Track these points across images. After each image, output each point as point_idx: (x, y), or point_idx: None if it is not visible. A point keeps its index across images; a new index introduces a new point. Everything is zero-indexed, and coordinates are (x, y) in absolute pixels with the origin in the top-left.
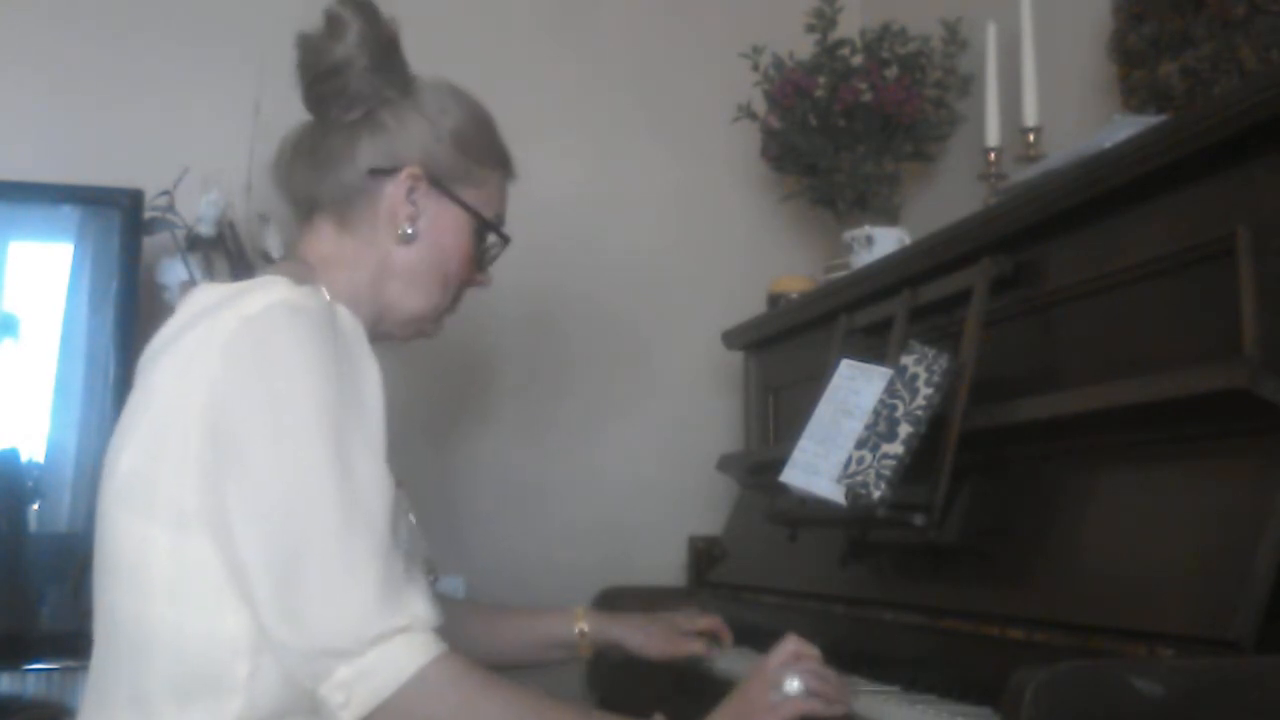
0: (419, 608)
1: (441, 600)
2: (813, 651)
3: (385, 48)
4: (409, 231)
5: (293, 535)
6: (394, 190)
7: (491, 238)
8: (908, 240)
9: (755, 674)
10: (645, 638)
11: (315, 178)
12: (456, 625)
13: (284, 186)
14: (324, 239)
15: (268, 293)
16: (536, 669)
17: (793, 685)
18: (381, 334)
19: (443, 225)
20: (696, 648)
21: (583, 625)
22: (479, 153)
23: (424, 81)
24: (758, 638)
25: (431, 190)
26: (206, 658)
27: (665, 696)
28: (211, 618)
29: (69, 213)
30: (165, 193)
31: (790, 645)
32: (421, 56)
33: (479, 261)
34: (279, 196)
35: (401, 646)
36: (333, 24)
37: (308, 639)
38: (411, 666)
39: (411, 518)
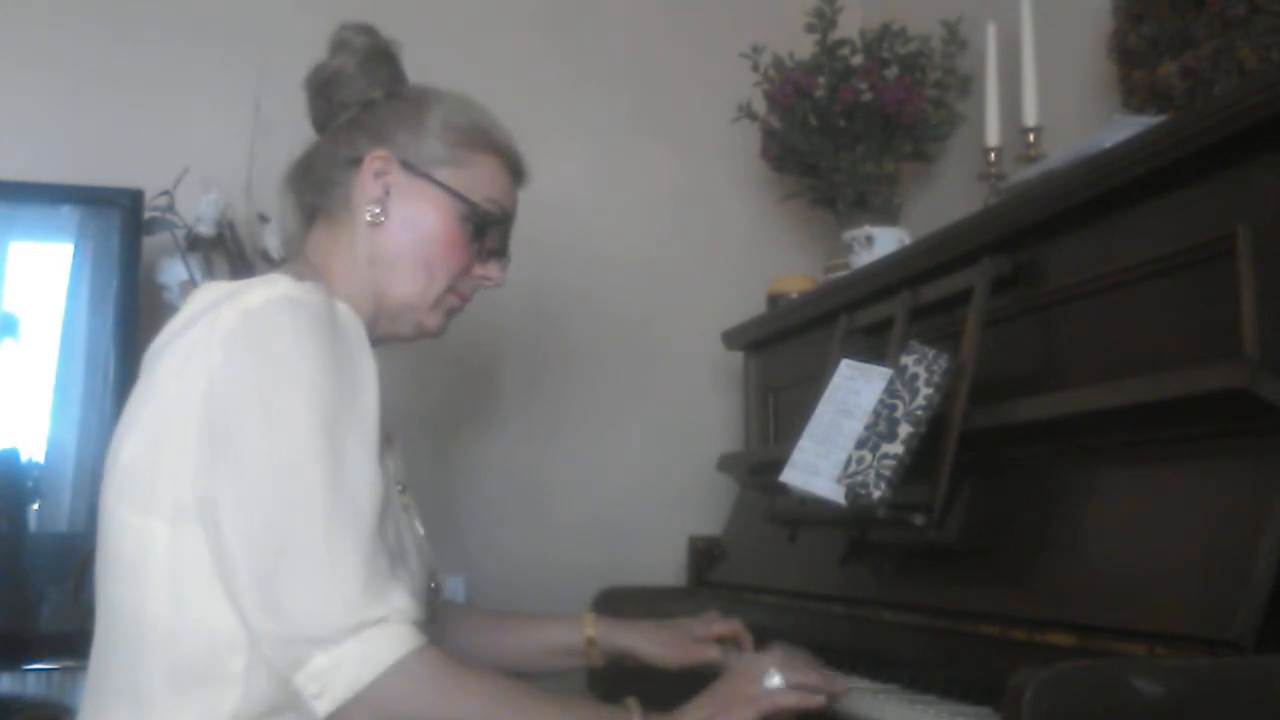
0: (399, 601)
1: (446, 607)
2: (801, 656)
3: (376, 57)
4: (376, 212)
5: (278, 522)
6: (363, 175)
7: (491, 227)
8: (908, 240)
9: (740, 666)
10: (658, 646)
11: (309, 184)
12: (461, 632)
13: (291, 201)
14: (320, 238)
15: (269, 288)
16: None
17: (773, 680)
18: (384, 332)
19: (418, 206)
20: (713, 655)
21: (591, 632)
22: (464, 137)
23: (416, 86)
24: (758, 638)
25: (404, 172)
26: (203, 650)
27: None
28: (208, 610)
29: (69, 213)
30: (165, 193)
31: (776, 652)
32: (421, 58)
33: (478, 251)
34: (279, 197)
35: (380, 637)
36: (332, 44)
37: (286, 626)
38: (389, 658)
39: (419, 526)
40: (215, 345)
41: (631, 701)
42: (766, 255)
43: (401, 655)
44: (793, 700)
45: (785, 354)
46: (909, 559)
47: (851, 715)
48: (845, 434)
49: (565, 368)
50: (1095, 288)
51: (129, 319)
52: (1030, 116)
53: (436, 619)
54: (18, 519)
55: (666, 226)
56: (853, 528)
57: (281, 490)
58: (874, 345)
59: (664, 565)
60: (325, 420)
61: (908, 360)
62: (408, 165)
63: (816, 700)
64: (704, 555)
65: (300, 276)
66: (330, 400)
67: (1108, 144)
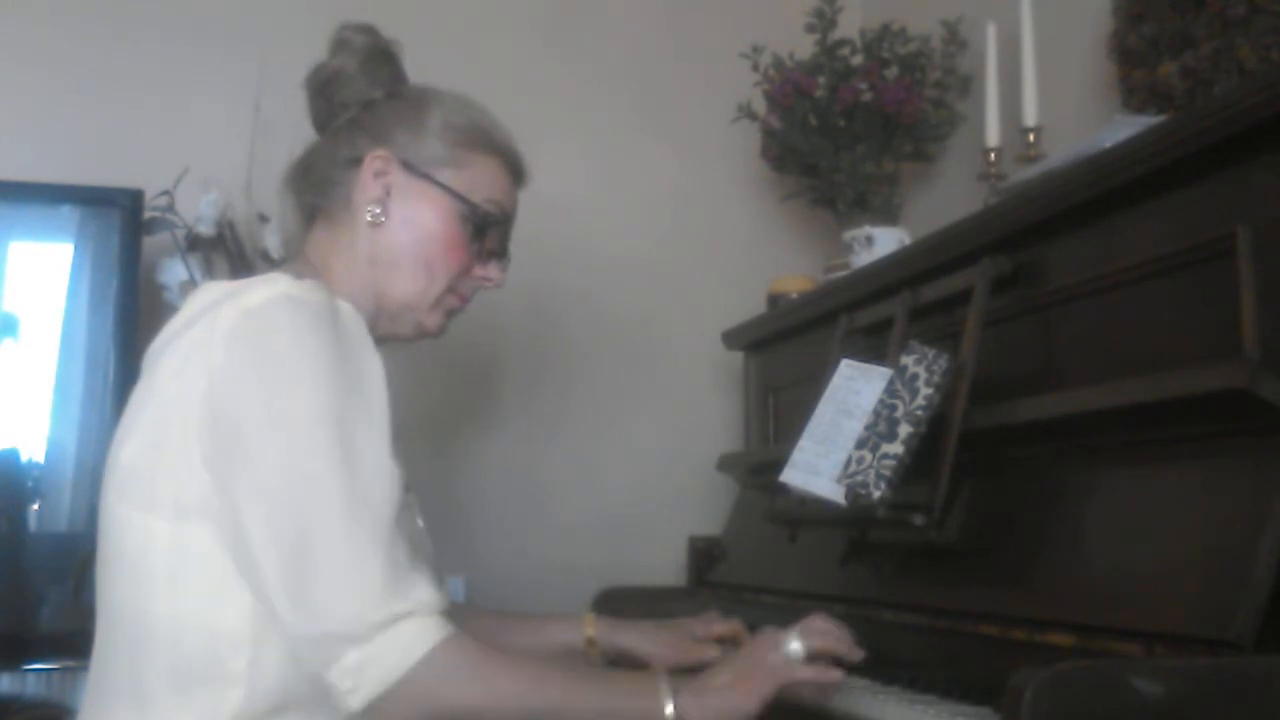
0: (424, 593)
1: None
2: (830, 627)
3: (377, 57)
4: (377, 212)
5: (297, 521)
6: (363, 175)
7: (491, 227)
8: (908, 240)
9: (762, 636)
10: (658, 646)
11: (309, 184)
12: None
13: (292, 201)
14: (320, 238)
15: (269, 287)
16: None
17: (793, 646)
18: (384, 332)
19: (418, 207)
20: (711, 654)
21: (591, 632)
22: (464, 137)
23: (416, 86)
24: None
25: (404, 173)
26: (206, 649)
27: None
28: (211, 609)
29: (69, 213)
30: (165, 193)
31: (809, 619)
32: (421, 58)
33: (478, 251)
34: (279, 197)
35: (409, 630)
36: (333, 44)
37: (315, 624)
38: (420, 649)
39: (420, 521)
40: (215, 345)
41: (662, 670)
42: (766, 255)
43: (432, 646)
44: (809, 675)
45: (785, 354)
46: (909, 559)
47: (852, 715)
48: (845, 434)
49: (565, 368)
50: (1095, 288)
51: (129, 319)
52: (1030, 116)
53: None
54: (18, 519)
55: (666, 226)
56: (853, 528)
57: (292, 490)
58: (874, 345)
59: (664, 565)
60: (330, 416)
61: (908, 360)
62: (408, 165)
63: (833, 676)
64: (704, 555)
65: (300, 276)
66: (334, 396)
67: (1108, 144)
